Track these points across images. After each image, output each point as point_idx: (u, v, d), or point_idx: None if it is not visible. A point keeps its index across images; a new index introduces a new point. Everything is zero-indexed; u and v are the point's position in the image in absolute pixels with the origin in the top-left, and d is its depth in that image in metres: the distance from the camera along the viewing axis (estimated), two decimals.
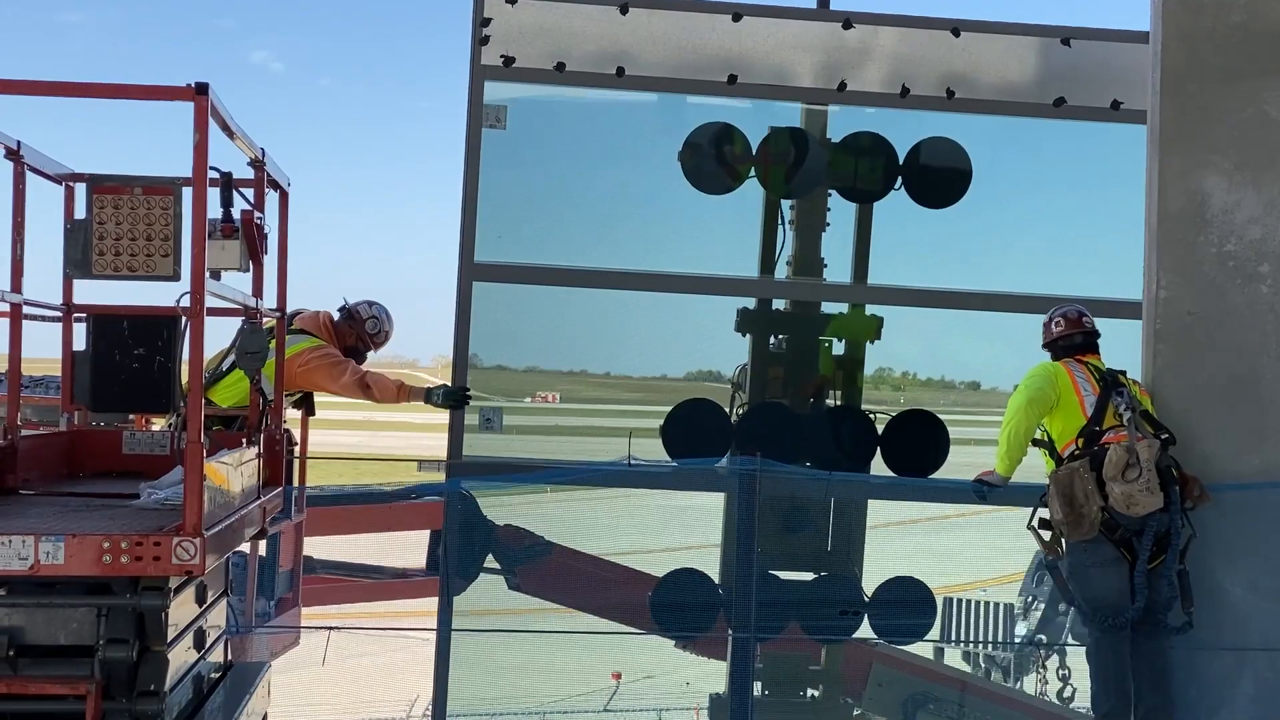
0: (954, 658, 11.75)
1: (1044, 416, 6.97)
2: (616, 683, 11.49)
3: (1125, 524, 6.61)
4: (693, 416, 9.66)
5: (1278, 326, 7.29)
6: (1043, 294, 9.51)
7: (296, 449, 7.72)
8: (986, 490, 7.22)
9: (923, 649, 10.79)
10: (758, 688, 9.57)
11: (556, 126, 10.35)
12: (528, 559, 9.48)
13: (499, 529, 9.37)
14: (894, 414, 9.96)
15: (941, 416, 9.99)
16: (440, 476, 9.41)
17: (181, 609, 4.49)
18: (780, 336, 10.28)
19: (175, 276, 5.22)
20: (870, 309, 10.13)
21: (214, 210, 5.25)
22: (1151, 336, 7.32)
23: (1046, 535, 6.94)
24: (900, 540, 11.60)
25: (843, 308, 10.35)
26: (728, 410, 10.02)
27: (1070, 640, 11.32)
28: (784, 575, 9.59)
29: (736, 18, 9.19)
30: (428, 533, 11.98)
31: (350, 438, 45.21)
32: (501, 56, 9.02)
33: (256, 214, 5.60)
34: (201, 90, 4.27)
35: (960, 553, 12.66)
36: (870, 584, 9.73)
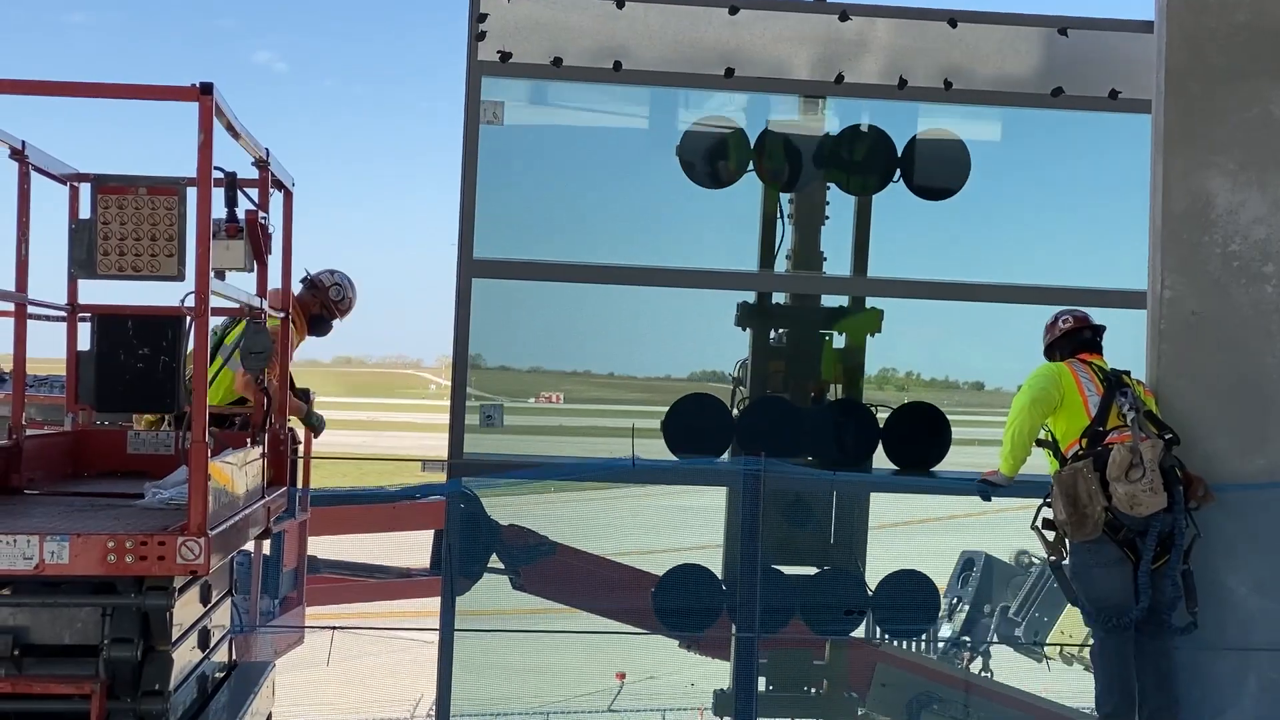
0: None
1: (1048, 417, 6.97)
2: (620, 683, 11.49)
3: (1129, 524, 6.61)
4: (694, 412, 9.67)
5: None
6: (1042, 285, 9.55)
7: (300, 448, 7.74)
8: (990, 490, 7.20)
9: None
10: (762, 683, 9.58)
11: (553, 122, 10.37)
12: (532, 559, 9.48)
13: (503, 529, 9.37)
14: (895, 407, 9.97)
15: (950, 440, 9.99)
16: (444, 477, 9.40)
17: (186, 609, 4.49)
18: (780, 331, 10.29)
19: (180, 276, 5.23)
20: (870, 301, 10.14)
21: (218, 210, 5.25)
22: (1156, 336, 7.31)
23: (1050, 536, 6.94)
24: (902, 541, 11.60)
25: (843, 300, 10.36)
26: (729, 405, 10.02)
27: (995, 640, 11.29)
28: (787, 570, 9.59)
29: (733, 11, 9.20)
30: (431, 533, 12.00)
31: (354, 438, 45.23)
32: (498, 52, 9.02)
33: (261, 214, 5.60)
34: (206, 90, 4.28)
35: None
36: (873, 581, 9.74)
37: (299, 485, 7.95)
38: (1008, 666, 11.23)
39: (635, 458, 8.53)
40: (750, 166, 10.00)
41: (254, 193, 5.67)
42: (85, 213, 5.34)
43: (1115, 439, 6.69)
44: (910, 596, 9.51)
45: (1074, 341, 7.25)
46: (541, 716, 11.59)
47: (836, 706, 10.47)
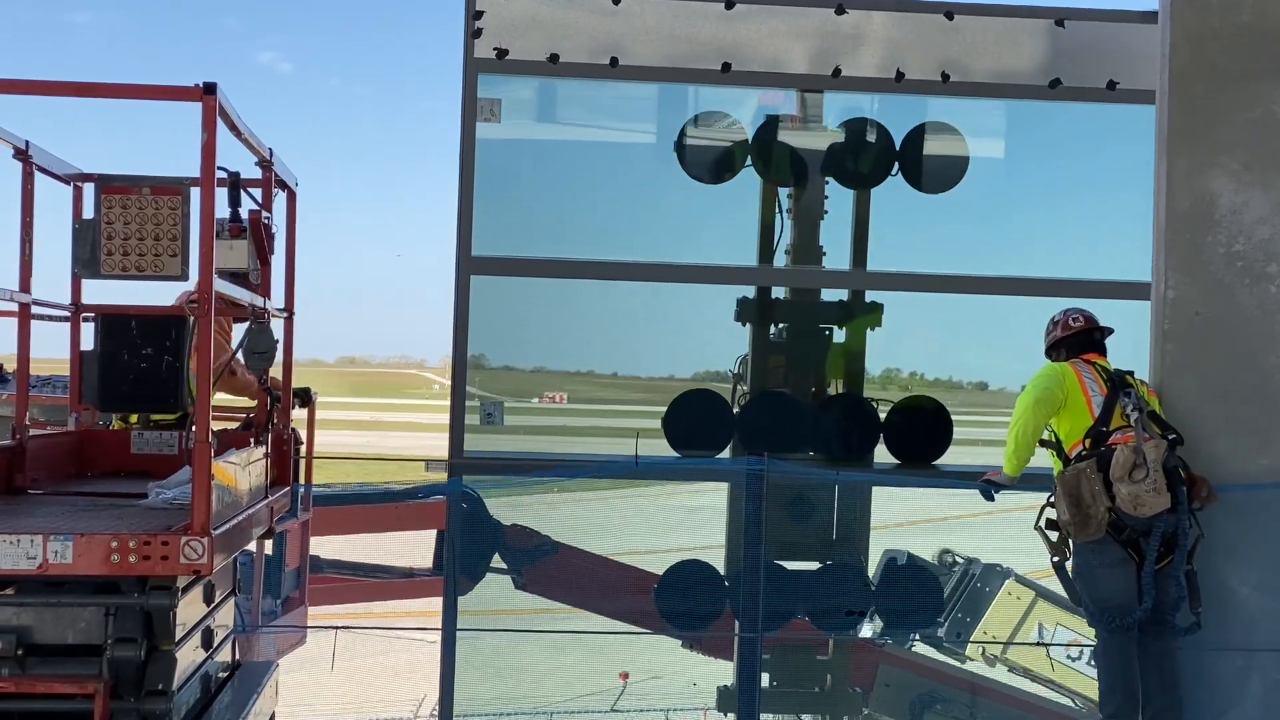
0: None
1: (1051, 417, 6.95)
2: (623, 683, 11.50)
3: (1132, 525, 6.60)
4: (694, 408, 9.67)
5: None
6: (1042, 277, 9.55)
7: (302, 448, 7.74)
8: (994, 490, 7.20)
9: (926, 649, 10.79)
10: (765, 679, 9.58)
11: (550, 119, 10.38)
12: (535, 559, 9.48)
13: (506, 529, 9.38)
14: (896, 401, 9.98)
15: (952, 434, 9.99)
16: (447, 476, 9.41)
17: (189, 608, 4.49)
18: (781, 326, 10.29)
19: (183, 276, 5.23)
20: (870, 296, 10.15)
21: (222, 210, 5.26)
22: (1159, 336, 7.30)
23: (1053, 536, 6.93)
24: (904, 542, 11.58)
25: (842, 295, 10.36)
26: (729, 401, 10.03)
27: (917, 639, 11.21)
28: (789, 565, 9.59)
29: (729, 5, 9.21)
30: (434, 533, 12.01)
31: (357, 438, 45.25)
32: (495, 49, 9.02)
33: (264, 214, 5.61)
34: (209, 90, 4.28)
35: (966, 554, 12.64)
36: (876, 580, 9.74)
37: (301, 484, 7.95)
38: (1009, 666, 11.22)
39: (637, 456, 8.54)
40: (748, 161, 10.01)
41: (257, 193, 5.68)
42: (89, 213, 5.35)
43: (1119, 439, 6.68)
44: (912, 591, 9.51)
45: (1079, 342, 7.23)
46: (545, 717, 11.60)
47: (840, 702, 10.47)
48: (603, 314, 10.73)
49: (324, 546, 12.93)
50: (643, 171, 10.69)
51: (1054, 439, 6.99)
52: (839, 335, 10.22)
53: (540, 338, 10.87)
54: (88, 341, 5.88)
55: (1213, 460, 7.03)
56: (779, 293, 10.38)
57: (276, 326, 5.92)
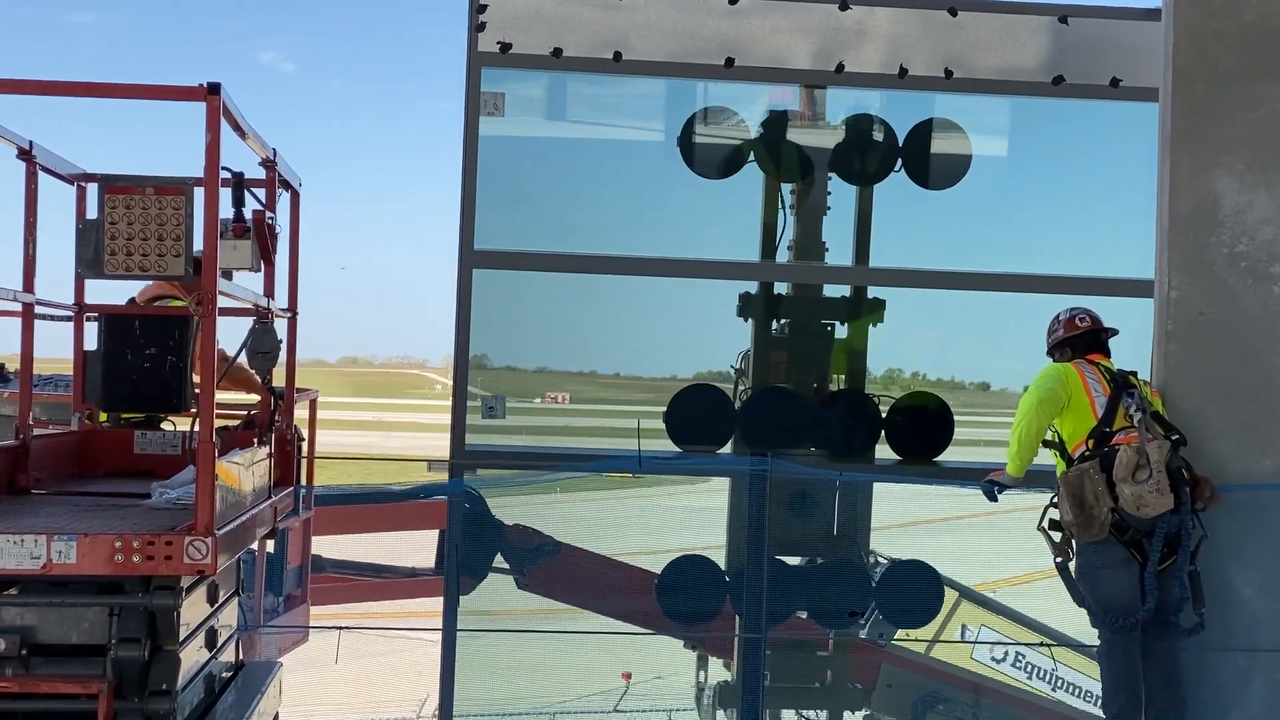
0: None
1: (1055, 417, 6.95)
2: (626, 683, 11.50)
3: (1135, 525, 6.59)
4: (696, 403, 9.67)
5: None
6: (1044, 274, 9.56)
7: (304, 447, 7.74)
8: (997, 491, 7.19)
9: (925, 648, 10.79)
10: (766, 676, 9.58)
11: (553, 115, 10.39)
12: (537, 558, 9.48)
13: (508, 529, 9.38)
14: (898, 396, 9.99)
15: (953, 430, 9.99)
16: (449, 476, 9.41)
17: (193, 608, 4.50)
18: (783, 321, 10.29)
19: (187, 276, 5.23)
20: (872, 292, 10.15)
21: (225, 210, 5.25)
22: (1163, 337, 7.30)
23: (1056, 536, 6.92)
24: (907, 542, 11.59)
25: (844, 291, 10.36)
26: (731, 396, 10.04)
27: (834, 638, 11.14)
28: (790, 561, 9.59)
29: (733, 1, 9.20)
30: (437, 532, 12.01)
31: (360, 438, 45.24)
32: (498, 43, 9.03)
33: (268, 214, 5.60)
34: (214, 90, 4.28)
35: (969, 554, 12.64)
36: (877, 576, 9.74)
37: (303, 483, 7.95)
38: (1012, 666, 11.22)
39: (640, 455, 8.53)
40: (751, 157, 10.02)
41: (261, 193, 5.67)
42: (92, 213, 5.35)
43: (1122, 440, 6.68)
44: (914, 588, 9.51)
45: (1083, 343, 7.22)
46: (548, 717, 11.60)
47: (841, 698, 10.48)
48: (605, 312, 10.74)
49: (327, 547, 12.94)
50: (646, 167, 10.71)
51: (1057, 439, 6.98)
52: (841, 331, 10.23)
53: (542, 337, 10.87)
54: (91, 342, 5.88)
55: (1216, 461, 7.03)
56: (782, 288, 10.39)
57: (280, 326, 5.92)
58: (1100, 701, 7.00)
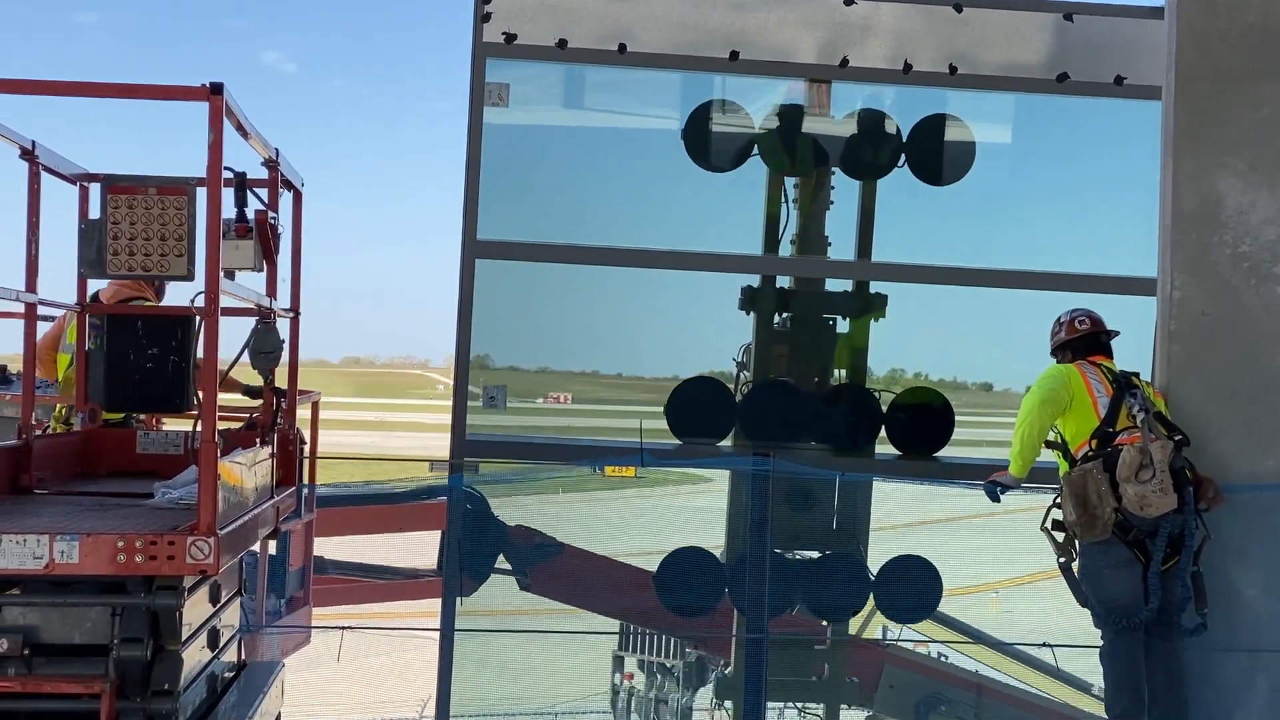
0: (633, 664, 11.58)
1: (1057, 418, 6.94)
2: (629, 683, 11.50)
3: (1139, 525, 6.58)
4: (697, 395, 9.68)
5: None
6: (1046, 271, 9.56)
7: (306, 448, 7.73)
8: (1000, 491, 7.18)
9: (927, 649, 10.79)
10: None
11: (557, 106, 10.40)
12: (539, 559, 9.48)
13: (510, 529, 9.38)
14: (898, 391, 10.00)
15: (953, 425, 9.99)
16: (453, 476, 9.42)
17: (195, 608, 4.49)
18: (784, 315, 10.30)
19: (189, 276, 5.23)
20: (874, 287, 10.16)
21: (228, 210, 5.25)
22: (1166, 337, 7.29)
23: (1060, 537, 6.92)
24: (908, 542, 11.59)
25: (846, 285, 10.37)
26: (732, 389, 10.06)
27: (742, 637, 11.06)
28: (789, 555, 9.60)
29: None
30: (439, 533, 12.00)
31: (362, 438, 45.27)
32: (503, 34, 9.04)
33: (270, 213, 5.60)
34: (216, 90, 4.28)
35: (971, 554, 12.63)
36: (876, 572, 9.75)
37: (305, 484, 7.95)
38: (1015, 667, 11.22)
39: (643, 448, 8.53)
40: (755, 150, 10.03)
41: (263, 193, 5.67)
42: (95, 213, 5.35)
43: (1125, 440, 6.67)
44: (912, 582, 9.52)
45: (1085, 344, 7.21)
46: (549, 717, 11.60)
47: (837, 691, 10.49)
48: (606, 309, 10.75)
49: (329, 548, 12.93)
50: (650, 160, 10.72)
51: (1060, 440, 6.98)
52: (842, 326, 10.25)
53: (544, 335, 10.88)
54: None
55: (1219, 461, 7.02)
56: (784, 282, 10.40)
57: (282, 326, 5.92)
58: (1103, 702, 6.99)
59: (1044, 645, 11.11)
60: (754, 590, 8.30)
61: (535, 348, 11.08)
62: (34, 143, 5.26)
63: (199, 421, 5.08)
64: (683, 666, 11.23)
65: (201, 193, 4.98)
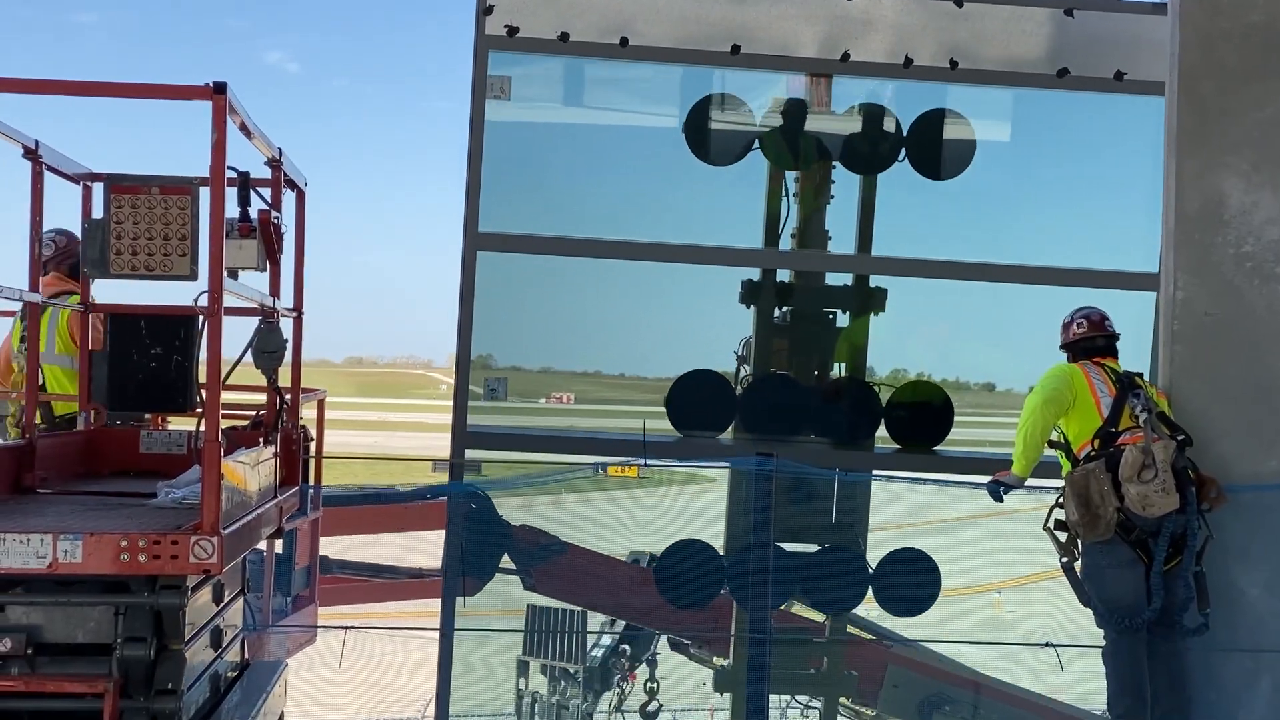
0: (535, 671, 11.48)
1: (1060, 417, 6.95)
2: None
3: (1141, 525, 6.59)
4: (697, 388, 9.69)
5: None
6: (1044, 265, 9.57)
7: (312, 447, 7.73)
8: (1003, 491, 7.18)
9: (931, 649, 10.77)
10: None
11: (559, 100, 10.42)
12: (544, 559, 9.49)
13: (514, 529, 9.38)
14: (898, 385, 10.02)
15: (953, 419, 10.01)
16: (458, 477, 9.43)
17: (199, 608, 4.49)
18: (784, 309, 10.32)
19: (193, 276, 5.23)
20: (874, 280, 10.18)
21: (231, 210, 5.25)
22: (1169, 337, 7.28)
23: (1062, 536, 6.92)
24: (910, 542, 11.58)
25: (846, 279, 10.38)
26: (732, 382, 10.08)
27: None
28: (789, 548, 9.60)
29: None
30: (443, 533, 11.99)
31: (365, 438, 45.28)
32: (505, 27, 9.07)
33: (273, 213, 5.60)
34: (220, 90, 4.28)
35: (973, 554, 12.61)
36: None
37: (310, 483, 7.95)
38: (1018, 667, 11.20)
39: (645, 441, 8.54)
40: (756, 144, 10.04)
41: (266, 192, 5.67)
42: (98, 212, 5.35)
43: (1128, 440, 6.67)
44: (911, 576, 9.52)
45: (1089, 346, 7.21)
46: (551, 717, 11.59)
47: (836, 683, 10.49)
48: (607, 307, 10.76)
49: (333, 547, 12.93)
50: (653, 154, 10.73)
51: (1063, 440, 6.98)
52: (842, 319, 10.27)
53: (546, 334, 10.89)
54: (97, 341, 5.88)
55: (1222, 461, 7.02)
56: (784, 276, 10.42)
57: (285, 326, 5.92)
58: (1106, 702, 6.98)
59: (1046, 645, 11.11)
60: (756, 587, 8.30)
61: (537, 347, 11.09)
62: (37, 142, 5.26)
63: (202, 421, 5.10)
64: (583, 672, 11.08)
65: (205, 192, 4.98)
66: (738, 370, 10.29)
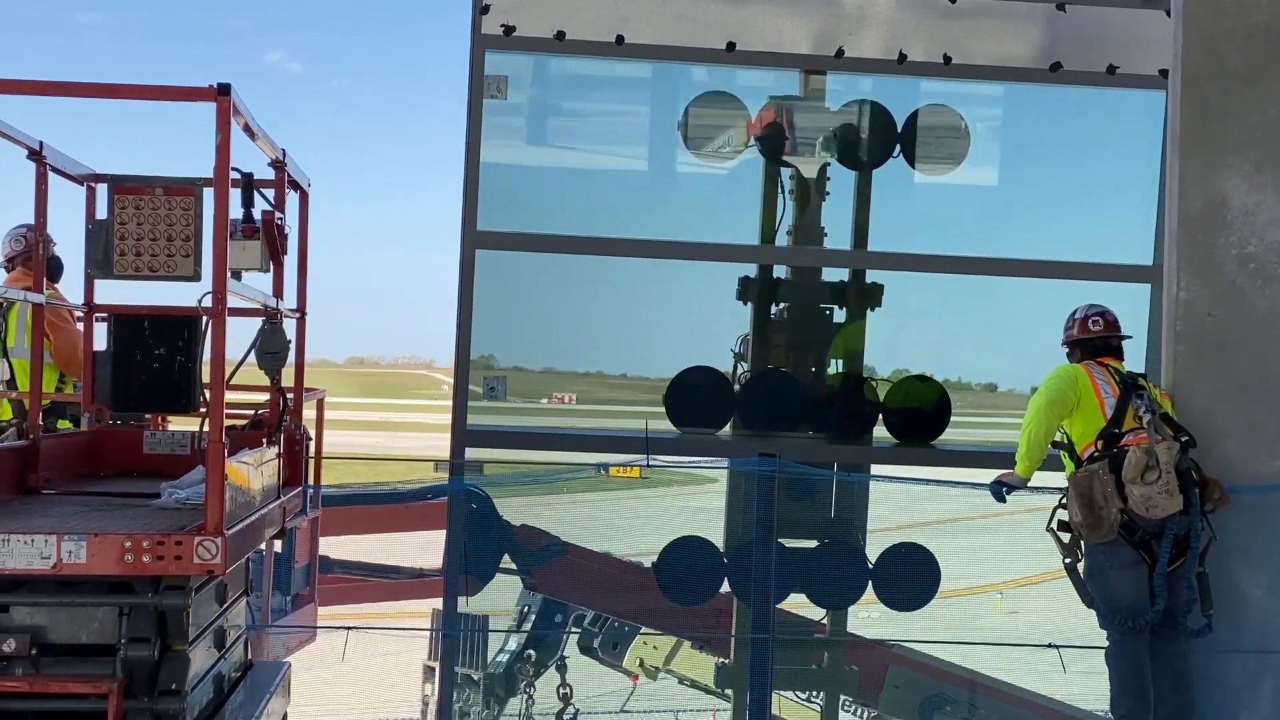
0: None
1: (1064, 418, 6.95)
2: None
3: (1144, 526, 6.59)
4: (695, 385, 9.71)
5: None
6: (1038, 259, 9.59)
7: (312, 445, 7.73)
8: (1006, 492, 7.18)
9: (932, 650, 10.77)
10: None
11: (556, 97, 10.44)
12: (545, 559, 9.49)
13: (515, 529, 9.38)
14: (895, 381, 10.04)
15: (953, 420, 10.02)
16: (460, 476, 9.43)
17: (203, 608, 4.49)
18: (781, 305, 10.34)
19: (196, 277, 5.23)
20: (870, 276, 10.20)
21: (235, 211, 5.25)
22: (1172, 338, 7.28)
23: (1065, 537, 6.92)
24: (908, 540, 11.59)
25: (843, 275, 10.39)
26: (730, 379, 10.09)
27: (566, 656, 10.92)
28: (789, 544, 9.61)
29: None
30: (444, 533, 12.00)
31: (366, 438, 45.27)
32: (502, 26, 9.10)
33: (277, 214, 5.60)
34: (224, 91, 4.27)
35: (975, 555, 12.60)
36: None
37: (310, 482, 7.95)
38: (1020, 668, 11.19)
39: (648, 439, 8.55)
40: (751, 141, 10.06)
41: (270, 193, 5.67)
42: (102, 213, 5.35)
43: (1131, 441, 6.67)
44: (911, 571, 9.53)
45: (1097, 345, 7.20)
46: (554, 717, 11.57)
47: (836, 679, 10.50)
48: (607, 306, 10.77)
49: (334, 547, 12.94)
50: (643, 151, 10.74)
51: (1066, 441, 6.98)
52: (839, 315, 10.29)
53: (547, 334, 10.90)
54: (101, 342, 5.88)
55: (1225, 462, 7.02)
56: (780, 272, 10.44)
57: (288, 327, 5.92)
58: (1109, 703, 6.98)
59: (1049, 646, 11.10)
60: (758, 586, 8.30)
61: (538, 348, 11.10)
62: (41, 144, 5.26)
63: (205, 421, 5.09)
64: (484, 678, 10.68)
65: (208, 193, 4.98)
66: (735, 367, 10.31)
